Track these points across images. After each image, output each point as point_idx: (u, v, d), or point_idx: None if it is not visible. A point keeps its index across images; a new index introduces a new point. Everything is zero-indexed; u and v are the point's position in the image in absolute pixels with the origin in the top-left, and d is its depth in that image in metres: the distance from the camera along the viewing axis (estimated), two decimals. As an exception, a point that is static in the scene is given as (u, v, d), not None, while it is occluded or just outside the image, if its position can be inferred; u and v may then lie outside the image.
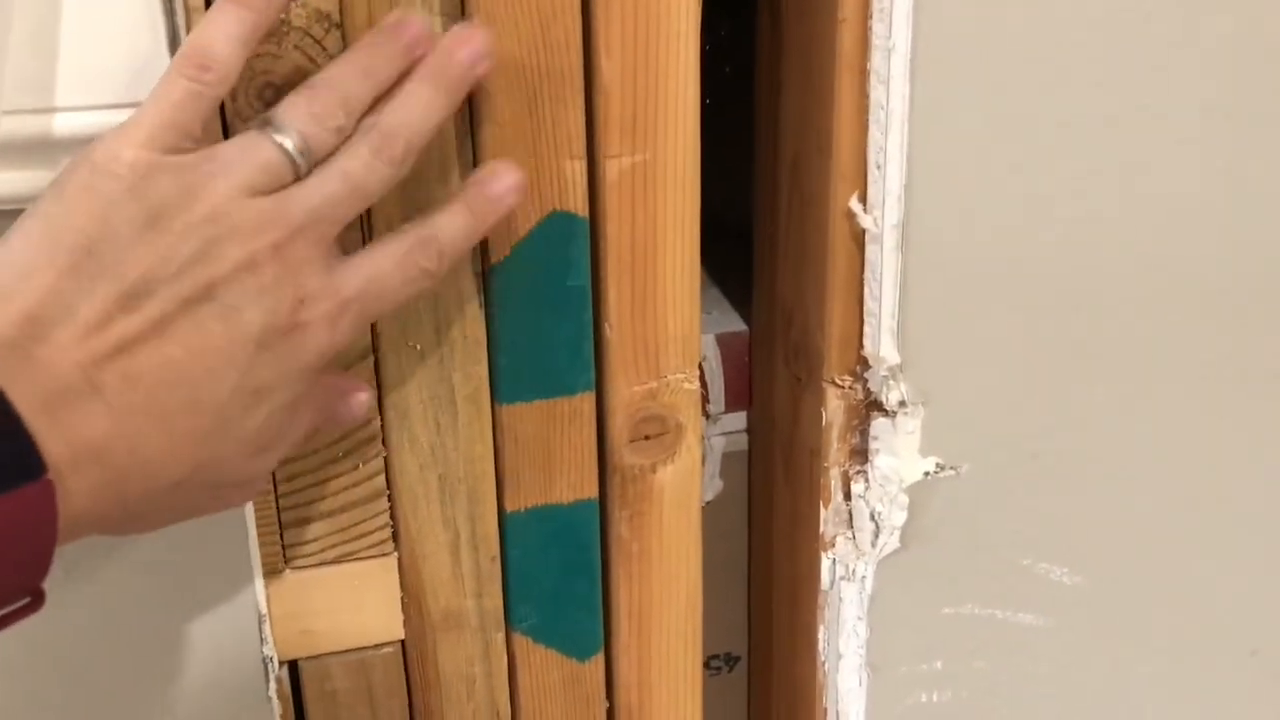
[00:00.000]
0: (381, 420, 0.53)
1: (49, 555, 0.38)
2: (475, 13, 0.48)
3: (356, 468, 0.54)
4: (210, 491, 0.44)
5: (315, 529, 0.54)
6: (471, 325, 0.53)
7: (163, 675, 0.54)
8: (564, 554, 0.58)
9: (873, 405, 0.58)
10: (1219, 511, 0.65)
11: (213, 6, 0.42)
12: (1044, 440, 0.61)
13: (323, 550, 0.55)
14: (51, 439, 0.38)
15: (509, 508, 0.56)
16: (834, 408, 0.58)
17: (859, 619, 0.61)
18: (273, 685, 0.55)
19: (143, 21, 0.45)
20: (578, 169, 0.52)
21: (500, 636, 0.58)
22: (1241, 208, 0.59)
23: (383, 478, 0.54)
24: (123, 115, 0.42)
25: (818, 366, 0.58)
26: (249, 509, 0.53)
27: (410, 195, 0.50)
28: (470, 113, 0.50)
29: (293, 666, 0.57)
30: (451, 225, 0.47)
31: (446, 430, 0.54)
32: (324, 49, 0.47)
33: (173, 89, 0.41)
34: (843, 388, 0.58)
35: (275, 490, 0.53)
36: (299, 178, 0.43)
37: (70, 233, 0.40)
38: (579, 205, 0.52)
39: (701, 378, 0.58)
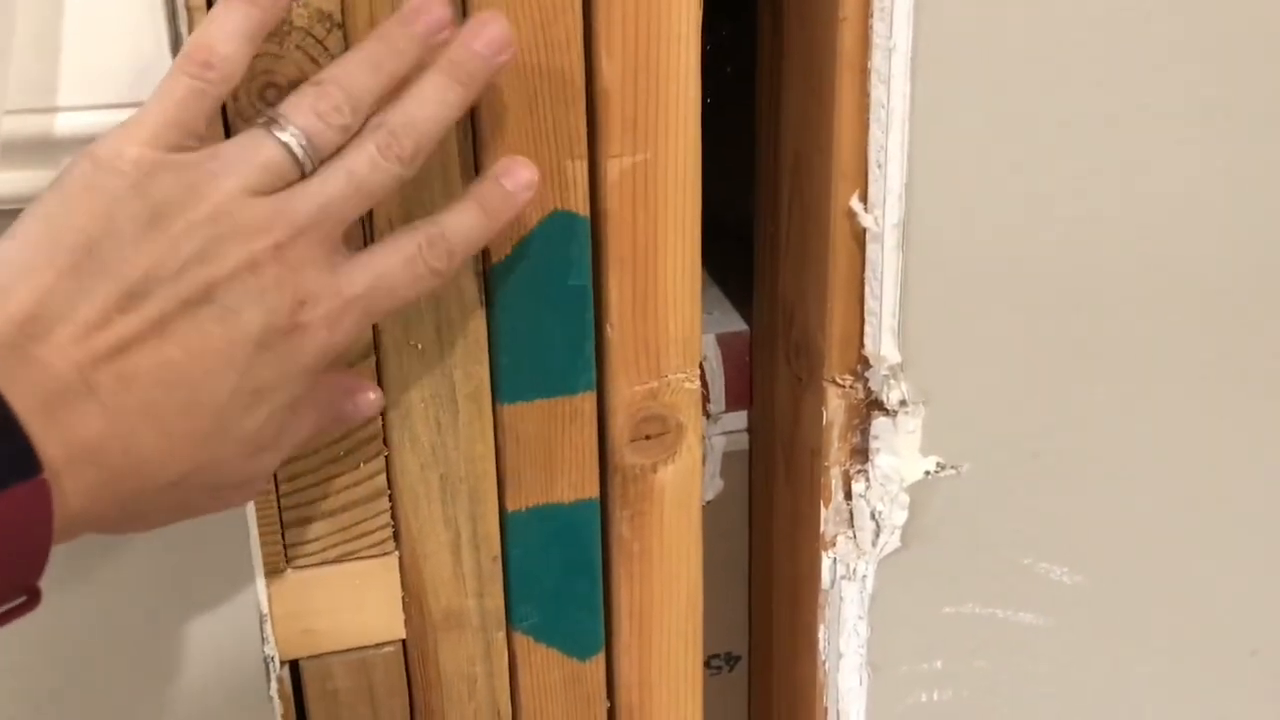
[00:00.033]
0: (383, 419, 0.53)
1: (44, 554, 0.38)
2: (471, 11, 0.48)
3: (358, 467, 0.54)
4: (210, 491, 0.44)
5: (317, 528, 0.54)
6: (473, 324, 0.53)
7: (164, 675, 0.54)
8: (565, 553, 0.58)
9: (873, 404, 0.58)
10: (1219, 511, 0.65)
11: (218, 4, 0.42)
12: (1044, 440, 0.61)
13: (324, 549, 0.55)
14: (48, 439, 0.38)
15: (510, 507, 0.56)
16: (835, 407, 0.58)
17: (860, 618, 0.61)
18: (274, 684, 0.55)
19: (145, 21, 0.45)
20: (579, 169, 0.52)
21: (501, 636, 0.58)
22: (1241, 208, 0.59)
23: (384, 477, 0.54)
24: (125, 115, 0.42)
25: (818, 366, 0.58)
26: (250, 508, 0.53)
27: (410, 195, 0.50)
28: (471, 112, 0.50)
29: (294, 666, 0.57)
30: (462, 224, 0.46)
31: (448, 429, 0.54)
32: (326, 49, 0.47)
33: (176, 87, 0.41)
34: (843, 387, 0.58)
35: (276, 490, 0.53)
36: (304, 176, 0.43)
37: (71, 232, 0.40)
38: (580, 205, 0.52)
39: (702, 377, 0.58)
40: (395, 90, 0.44)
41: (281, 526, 0.54)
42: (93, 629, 0.52)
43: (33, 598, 0.40)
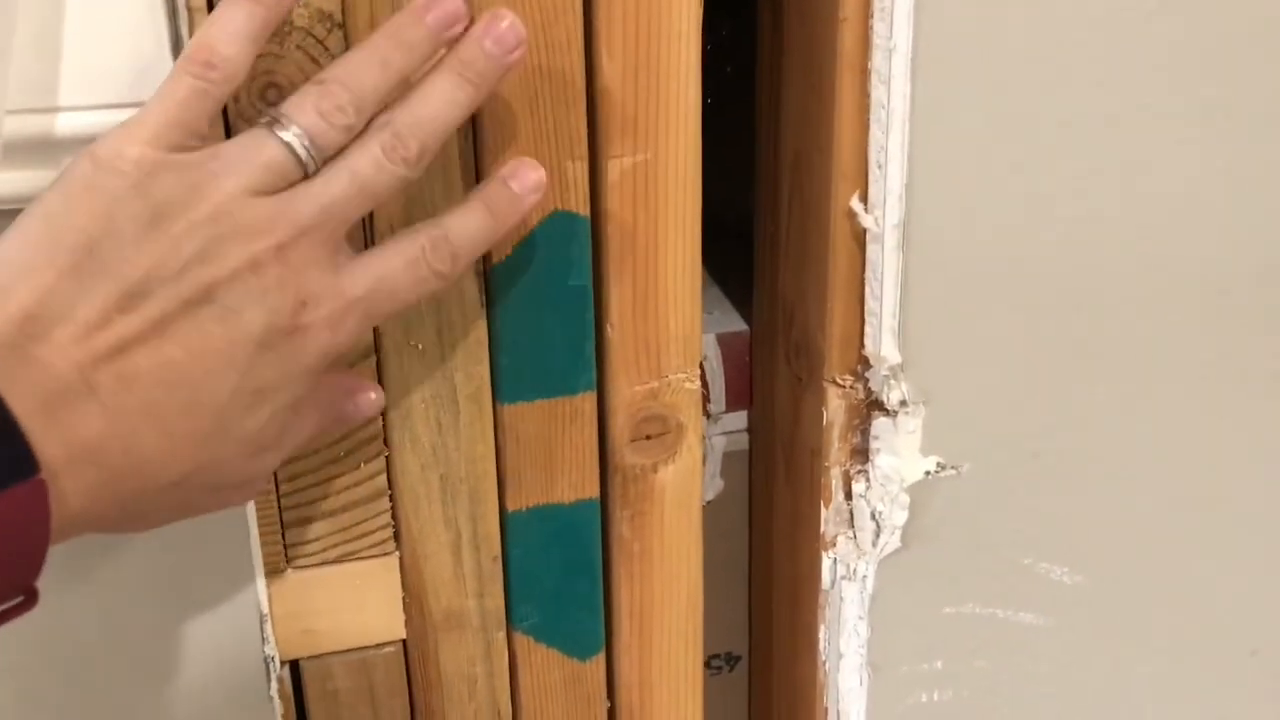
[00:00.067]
0: (383, 419, 0.53)
1: (42, 554, 0.38)
2: (476, 13, 0.48)
3: (358, 467, 0.54)
4: (210, 491, 0.44)
5: (317, 528, 0.54)
6: (473, 325, 0.53)
7: (164, 675, 0.54)
8: (565, 553, 0.58)
9: (874, 405, 0.58)
10: (1219, 511, 0.65)
11: (220, 4, 0.42)
12: (1045, 440, 0.61)
13: (324, 550, 0.55)
14: (48, 439, 0.38)
15: (510, 507, 0.56)
16: (835, 407, 0.58)
17: (860, 618, 0.61)
18: (274, 685, 0.55)
19: (145, 21, 0.45)
20: (579, 169, 0.52)
21: (501, 636, 0.58)
22: (1241, 208, 0.59)
23: (384, 477, 0.54)
24: (125, 115, 0.42)
25: (819, 366, 0.58)
26: (250, 508, 0.53)
27: (411, 195, 0.50)
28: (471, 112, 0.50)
29: (294, 666, 0.57)
30: (468, 226, 0.46)
31: (448, 430, 0.54)
32: (326, 49, 0.47)
33: (178, 87, 0.41)
34: (844, 387, 0.58)
35: (277, 490, 0.53)
36: (307, 176, 0.42)
37: (72, 232, 0.40)
38: (580, 205, 0.52)
39: (702, 377, 0.58)
40: (402, 88, 0.44)
41: (282, 526, 0.54)
42: (93, 629, 0.52)
43: (30, 598, 0.40)
